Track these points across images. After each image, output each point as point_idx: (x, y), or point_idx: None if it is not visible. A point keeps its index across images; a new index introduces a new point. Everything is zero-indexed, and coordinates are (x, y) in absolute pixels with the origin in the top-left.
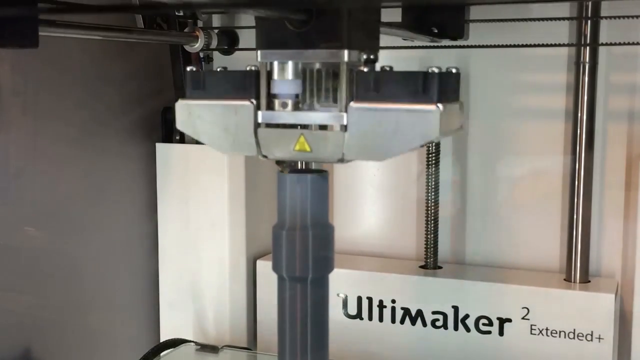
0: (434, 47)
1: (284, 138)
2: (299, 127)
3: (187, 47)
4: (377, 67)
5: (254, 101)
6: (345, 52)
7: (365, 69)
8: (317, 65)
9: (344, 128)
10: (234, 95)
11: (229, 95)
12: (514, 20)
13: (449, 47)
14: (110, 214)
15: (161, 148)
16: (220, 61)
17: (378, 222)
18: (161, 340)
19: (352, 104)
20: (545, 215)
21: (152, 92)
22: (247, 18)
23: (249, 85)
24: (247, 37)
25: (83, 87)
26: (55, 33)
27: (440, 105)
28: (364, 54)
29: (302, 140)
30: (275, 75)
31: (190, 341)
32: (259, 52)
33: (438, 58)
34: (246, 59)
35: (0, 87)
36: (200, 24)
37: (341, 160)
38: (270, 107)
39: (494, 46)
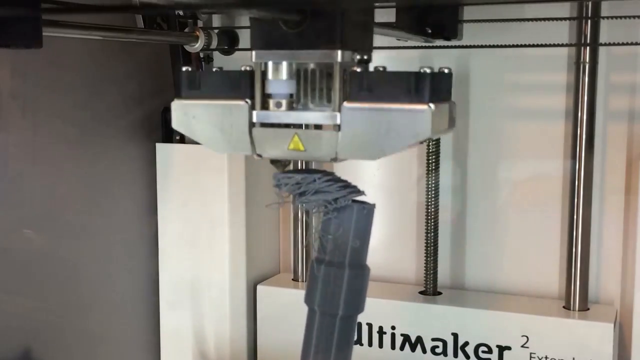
0: (431, 47)
1: (279, 137)
2: (292, 126)
3: (187, 47)
4: (371, 67)
5: (249, 101)
6: (339, 52)
7: (359, 69)
8: (312, 66)
9: (338, 127)
10: (229, 95)
11: (224, 95)
12: (513, 20)
13: (448, 47)
14: (110, 214)
15: (161, 148)
16: (220, 61)
17: (377, 230)
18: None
19: (345, 103)
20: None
21: (152, 92)
22: (247, 18)
23: (244, 85)
24: (247, 37)
25: (83, 87)
26: (56, 33)
27: (432, 105)
28: (357, 54)
29: (296, 140)
30: (270, 75)
31: None
32: (253, 52)
33: (438, 58)
34: (246, 59)
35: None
36: (200, 24)
37: (334, 159)
38: (264, 106)
39: (494, 46)
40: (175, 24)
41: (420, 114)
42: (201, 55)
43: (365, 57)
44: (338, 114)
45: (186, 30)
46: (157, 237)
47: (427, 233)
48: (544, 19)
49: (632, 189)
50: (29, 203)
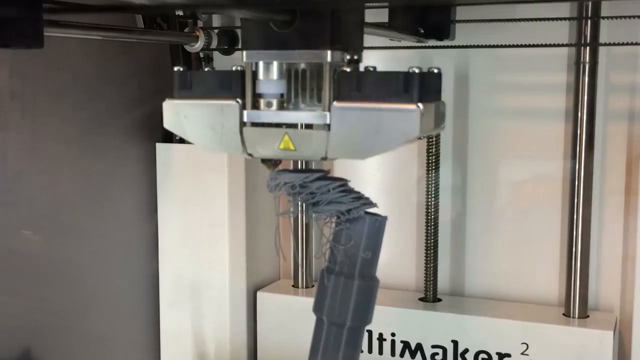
0: (427, 47)
1: (269, 137)
2: (284, 126)
3: (187, 47)
4: (362, 67)
5: (240, 100)
6: (328, 52)
7: (348, 69)
8: (302, 66)
9: (327, 127)
10: (220, 94)
11: (215, 94)
12: (510, 20)
13: (447, 47)
14: (110, 215)
15: (161, 148)
16: (220, 61)
17: None
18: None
19: (335, 103)
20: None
21: (152, 92)
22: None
23: (235, 85)
24: None
25: (83, 87)
26: (56, 33)
27: (420, 105)
28: (347, 54)
29: (286, 139)
30: (261, 75)
31: None
32: (244, 52)
33: (436, 58)
34: None
35: None
36: (200, 24)
37: (324, 159)
38: (255, 106)
39: (493, 46)
40: (175, 24)
41: (409, 114)
42: (201, 55)
43: (356, 57)
44: (328, 114)
45: (186, 30)
46: (157, 237)
47: (427, 239)
48: (543, 19)
49: (632, 189)
50: (28, 203)
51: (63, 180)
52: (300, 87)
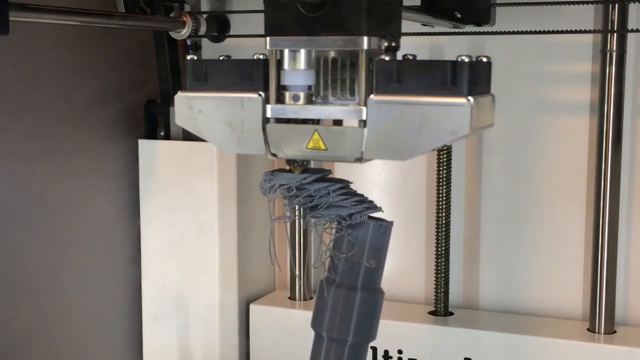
0: (452, 33)
1: (296, 134)
2: (311, 122)
3: (172, 34)
4: (399, 55)
5: (262, 93)
6: (365, 38)
7: (387, 58)
8: (333, 54)
9: (363, 123)
10: (239, 87)
11: (234, 87)
12: (535, 4)
13: (462, 33)
14: (88, 219)
15: (144, 145)
16: (209, 49)
17: None
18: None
19: (372, 96)
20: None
21: (134, 84)
22: (239, 1)
23: (257, 76)
24: (239, 23)
25: (58, 77)
26: (27, 18)
27: (471, 99)
28: (384, 40)
29: (316, 137)
30: (286, 65)
31: None
32: (267, 39)
33: (450, 46)
34: (238, 46)
35: None
36: (187, 8)
37: (359, 160)
38: (280, 100)
39: (512, 33)
40: (159, 8)
41: (458, 109)
42: (188, 42)
43: (394, 44)
44: (364, 109)
45: (172, 15)
46: (140, 243)
47: (437, 246)
48: (568, 3)
49: None
50: None
51: (36, 179)
52: (330, 78)
